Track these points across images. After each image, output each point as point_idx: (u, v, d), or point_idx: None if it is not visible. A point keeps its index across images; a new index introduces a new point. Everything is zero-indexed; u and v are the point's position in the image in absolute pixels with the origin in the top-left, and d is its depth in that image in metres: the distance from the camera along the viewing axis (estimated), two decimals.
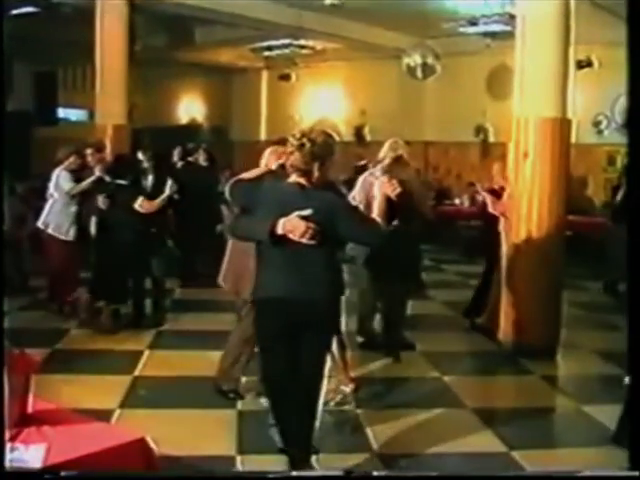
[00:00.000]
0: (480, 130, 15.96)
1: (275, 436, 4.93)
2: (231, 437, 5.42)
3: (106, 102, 11.34)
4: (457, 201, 15.54)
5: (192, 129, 20.01)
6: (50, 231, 8.83)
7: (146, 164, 8.89)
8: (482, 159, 15.37)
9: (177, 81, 20.16)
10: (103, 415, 5.27)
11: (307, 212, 4.22)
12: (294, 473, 4.41)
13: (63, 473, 2.95)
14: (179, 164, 11.54)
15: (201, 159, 11.31)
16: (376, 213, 4.57)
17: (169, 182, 8.41)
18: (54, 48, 15.57)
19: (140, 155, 8.94)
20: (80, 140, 11.38)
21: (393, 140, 7.38)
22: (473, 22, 12.71)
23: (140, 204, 7.96)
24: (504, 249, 7.95)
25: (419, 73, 12.77)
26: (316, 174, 4.34)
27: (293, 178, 4.40)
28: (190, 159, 11.41)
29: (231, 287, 6.01)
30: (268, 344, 4.61)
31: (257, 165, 5.55)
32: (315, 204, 4.25)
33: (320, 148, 4.33)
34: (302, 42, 15.24)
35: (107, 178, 9.03)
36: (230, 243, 5.88)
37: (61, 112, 19.15)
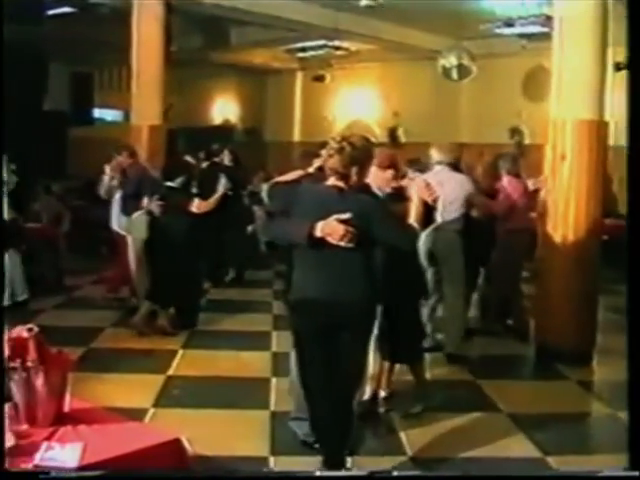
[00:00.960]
0: (515, 132, 15.83)
1: (296, 429, 5.03)
2: (264, 437, 5.43)
3: (142, 103, 11.38)
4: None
5: (226, 130, 20.04)
6: (114, 227, 9.31)
7: (195, 168, 8.90)
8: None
9: (211, 82, 20.21)
10: (136, 414, 5.30)
11: (346, 215, 4.22)
12: (317, 473, 4.41)
13: (59, 474, 2.96)
14: (204, 164, 11.57)
15: (226, 160, 11.33)
16: (412, 217, 4.57)
17: (222, 180, 8.37)
18: (91, 49, 15.68)
19: (189, 158, 8.88)
20: (115, 141, 11.47)
21: (439, 143, 7.39)
22: (509, 23, 12.61)
23: (197, 206, 7.94)
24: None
25: (455, 74, 12.69)
26: (354, 178, 4.38)
27: (331, 181, 4.43)
28: (216, 160, 11.43)
29: None
30: (304, 345, 4.61)
31: (290, 165, 5.56)
32: (352, 207, 4.26)
33: (359, 152, 4.38)
34: (337, 43, 15.19)
35: (113, 181, 9.19)
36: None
37: (97, 112, 19.29)
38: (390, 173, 5.47)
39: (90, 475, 2.99)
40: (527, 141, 15.38)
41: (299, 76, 19.73)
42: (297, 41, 15.49)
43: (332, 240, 4.24)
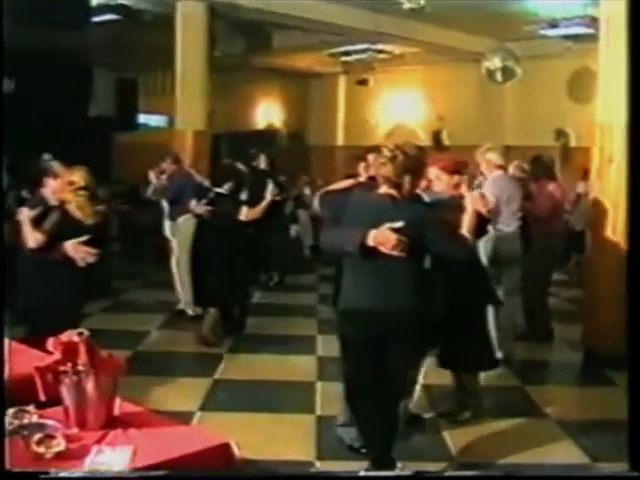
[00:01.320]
0: (560, 134, 15.69)
1: (343, 435, 5.07)
2: (309, 442, 5.43)
3: (186, 108, 11.49)
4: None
5: (269, 134, 20.11)
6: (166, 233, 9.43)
7: (246, 175, 8.59)
8: (562, 163, 15.08)
9: (254, 86, 20.29)
10: (183, 417, 5.33)
11: (399, 224, 4.18)
12: (362, 473, 4.40)
13: (59, 474, 2.98)
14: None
15: (263, 164, 11.38)
16: (465, 228, 4.53)
17: (270, 186, 8.12)
18: (135, 55, 15.84)
19: (239, 164, 8.67)
20: (160, 146, 11.58)
21: (488, 147, 7.28)
22: (554, 25, 12.52)
23: (245, 214, 7.76)
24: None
25: (499, 77, 12.60)
26: (407, 187, 4.34)
27: (384, 189, 4.39)
28: (253, 164, 11.49)
29: None
30: (351, 353, 4.59)
31: (333, 170, 5.57)
32: (405, 216, 4.22)
33: (412, 161, 4.35)
34: (380, 47, 15.20)
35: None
36: None
37: (141, 118, 19.48)
38: (457, 178, 5.41)
39: (94, 476, 3.00)
40: (573, 144, 15.24)
41: (342, 80, 19.73)
42: (340, 45, 15.51)
43: (384, 249, 4.20)
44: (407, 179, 4.33)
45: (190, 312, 8.93)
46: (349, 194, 4.75)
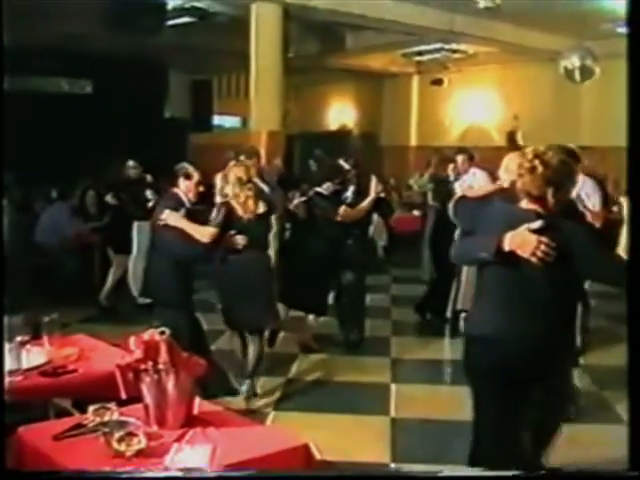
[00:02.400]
0: None
1: None
2: (384, 445, 5.40)
3: (261, 109, 11.53)
4: (615, 209, 14.94)
5: (342, 135, 20.11)
6: None
7: (350, 172, 7.99)
8: None
9: (328, 87, 20.30)
10: (257, 417, 5.37)
11: (537, 224, 3.64)
12: (442, 473, 4.30)
13: (60, 474, 2.99)
14: None
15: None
16: (624, 246, 3.74)
17: (373, 181, 7.62)
18: (210, 57, 16.00)
19: (342, 162, 8.08)
20: (234, 146, 11.65)
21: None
22: None
23: (342, 213, 7.41)
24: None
25: (577, 76, 12.32)
26: (550, 201, 3.75)
27: (524, 204, 3.84)
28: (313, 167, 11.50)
29: None
30: (480, 382, 4.00)
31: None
32: (552, 235, 3.63)
33: (555, 172, 3.74)
34: (454, 46, 15.06)
35: None
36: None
37: (216, 119, 19.67)
38: None
39: (97, 476, 3.03)
40: None
41: (416, 80, 19.58)
42: (414, 45, 15.41)
43: (523, 253, 3.63)
44: (550, 192, 3.74)
45: None
46: (489, 204, 4.20)
